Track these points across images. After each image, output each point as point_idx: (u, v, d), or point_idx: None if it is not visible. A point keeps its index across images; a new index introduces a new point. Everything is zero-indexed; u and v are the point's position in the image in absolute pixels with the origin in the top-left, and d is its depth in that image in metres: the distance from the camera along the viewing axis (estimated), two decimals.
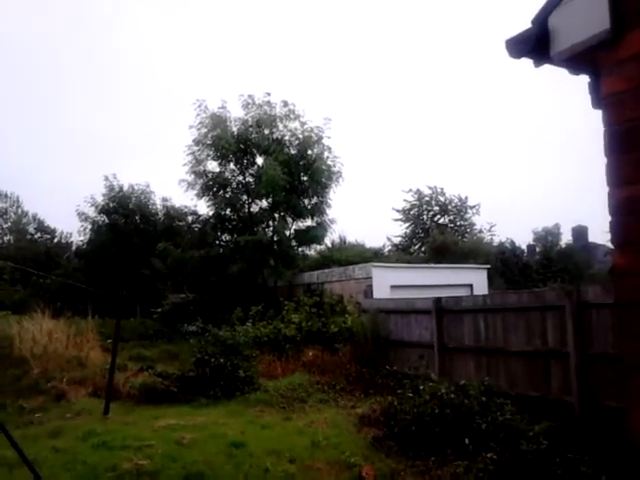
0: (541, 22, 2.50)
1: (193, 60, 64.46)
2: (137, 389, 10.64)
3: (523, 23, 2.63)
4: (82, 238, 28.99)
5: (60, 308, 16.00)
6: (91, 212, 27.09)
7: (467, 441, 6.57)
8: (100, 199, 26.86)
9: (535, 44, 2.51)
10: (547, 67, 2.69)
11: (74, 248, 34.86)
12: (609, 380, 7.50)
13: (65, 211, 57.48)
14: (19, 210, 47.81)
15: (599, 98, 2.38)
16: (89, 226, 27.51)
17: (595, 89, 2.54)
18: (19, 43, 58.18)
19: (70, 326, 14.45)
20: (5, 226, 46.84)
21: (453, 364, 10.72)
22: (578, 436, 7.03)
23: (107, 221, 26.74)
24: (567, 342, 8.23)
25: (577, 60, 2.45)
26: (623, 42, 2.19)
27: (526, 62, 2.72)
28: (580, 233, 39.56)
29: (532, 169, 62.07)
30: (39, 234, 44.18)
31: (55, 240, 41.61)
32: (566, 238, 38.61)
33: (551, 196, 57.60)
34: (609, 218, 2.31)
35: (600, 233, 33.69)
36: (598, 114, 2.41)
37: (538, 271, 32.28)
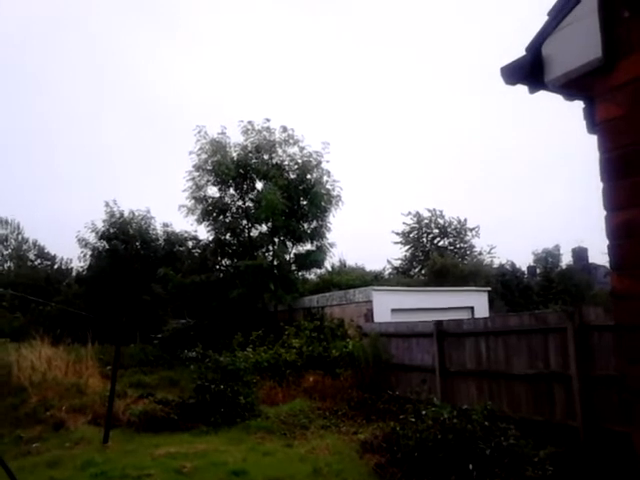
0: (535, 49, 2.54)
1: (193, 86, 65.27)
2: (137, 417, 10.52)
3: (519, 49, 2.68)
4: (82, 264, 28.91)
5: (59, 335, 15.91)
6: (91, 238, 27.09)
7: (471, 467, 6.48)
8: (100, 225, 26.88)
9: (529, 71, 2.55)
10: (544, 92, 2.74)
11: (74, 274, 34.79)
12: (613, 403, 7.43)
13: (65, 237, 57.82)
14: (20, 237, 48.03)
15: (594, 124, 2.41)
16: (89, 252, 27.45)
17: (590, 115, 2.57)
18: (19, 64, 58.96)
19: (69, 353, 14.36)
20: (5, 253, 46.98)
21: (455, 388, 10.64)
22: (584, 461, 6.94)
23: (107, 247, 26.73)
24: (569, 365, 8.18)
25: (571, 87, 2.48)
26: (616, 69, 2.22)
27: (522, 88, 2.77)
28: (580, 254, 39.58)
29: (532, 191, 62.39)
30: (39, 260, 44.27)
31: (55, 266, 41.66)
32: (566, 259, 38.64)
33: (551, 217, 57.77)
34: (607, 241, 2.32)
35: (600, 254, 33.72)
36: (595, 137, 2.44)
37: (539, 293, 32.23)
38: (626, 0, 2.19)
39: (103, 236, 26.83)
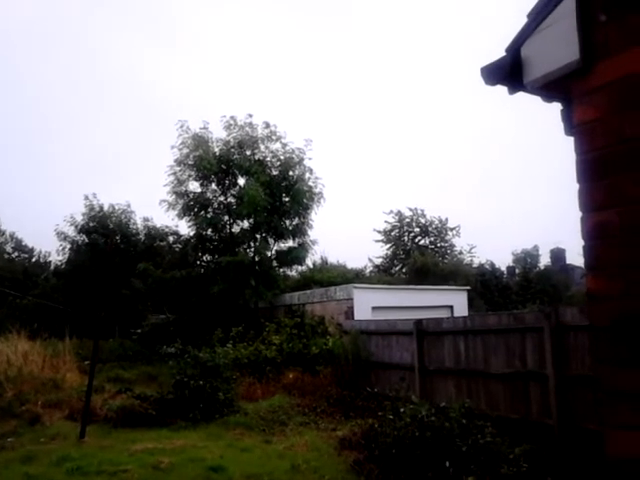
0: (515, 51, 2.56)
1: (176, 81, 64.72)
2: (114, 412, 10.41)
3: (499, 50, 2.71)
4: (61, 258, 28.61)
5: (37, 329, 15.70)
6: (70, 231, 26.83)
7: (448, 464, 6.53)
8: (80, 218, 26.63)
9: (509, 72, 2.57)
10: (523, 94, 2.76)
11: (52, 268, 34.34)
12: (588, 402, 7.54)
13: (44, 230, 57.01)
14: None
15: (571, 126, 2.44)
16: (68, 245, 27.19)
17: (568, 117, 2.61)
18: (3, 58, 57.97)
19: (46, 347, 14.19)
20: None
21: (434, 386, 10.71)
22: (558, 459, 7.04)
23: (87, 241, 26.45)
24: (546, 364, 8.28)
25: (550, 88, 2.51)
26: (593, 72, 2.25)
27: (502, 89, 2.79)
28: (558, 255, 40.09)
29: (511, 191, 62.99)
30: (17, 253, 43.49)
31: (33, 259, 41.01)
32: (545, 260, 39.12)
33: (530, 218, 58.39)
34: (582, 243, 2.35)
35: (577, 255, 34.18)
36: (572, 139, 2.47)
37: (517, 292, 32.57)
38: (603, 4, 2.22)
39: (82, 230, 26.57)
